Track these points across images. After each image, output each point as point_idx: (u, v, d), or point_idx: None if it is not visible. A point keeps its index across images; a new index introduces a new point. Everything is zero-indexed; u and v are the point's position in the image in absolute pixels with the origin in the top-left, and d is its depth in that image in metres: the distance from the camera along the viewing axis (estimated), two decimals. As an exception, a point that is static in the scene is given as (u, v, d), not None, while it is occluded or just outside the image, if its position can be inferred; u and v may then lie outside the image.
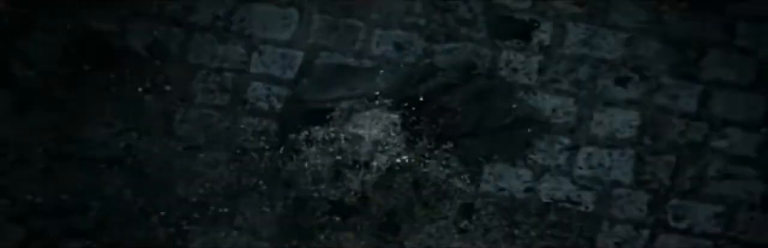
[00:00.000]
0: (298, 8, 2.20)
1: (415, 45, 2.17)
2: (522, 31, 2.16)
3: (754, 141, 2.11)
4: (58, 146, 2.12)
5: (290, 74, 2.15)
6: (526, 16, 2.17)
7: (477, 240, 2.06)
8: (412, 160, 2.10)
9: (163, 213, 2.10)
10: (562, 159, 2.10)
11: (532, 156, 2.09)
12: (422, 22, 2.18)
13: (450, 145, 2.11)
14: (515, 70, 2.14)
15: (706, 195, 2.08)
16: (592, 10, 2.18)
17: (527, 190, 2.07)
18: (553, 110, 2.13)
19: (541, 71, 2.15)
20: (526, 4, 2.22)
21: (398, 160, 2.11)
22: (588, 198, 2.08)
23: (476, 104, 2.12)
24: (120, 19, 2.18)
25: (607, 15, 2.20)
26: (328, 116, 2.11)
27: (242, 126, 2.12)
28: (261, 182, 2.10)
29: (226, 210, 2.10)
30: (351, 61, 2.14)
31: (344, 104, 2.12)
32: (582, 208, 2.07)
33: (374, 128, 2.11)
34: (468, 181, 2.08)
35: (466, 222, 2.07)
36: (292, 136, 2.12)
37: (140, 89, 2.14)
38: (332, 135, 2.12)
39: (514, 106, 2.11)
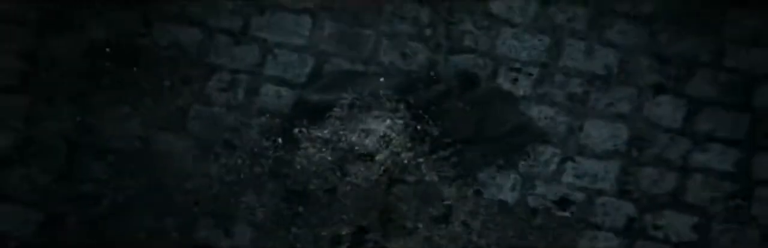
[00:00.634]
0: (312, 16, 2.32)
1: (420, 54, 2.30)
2: (522, 45, 2.29)
3: (734, 157, 2.23)
4: (78, 137, 2.25)
5: (302, 78, 2.28)
6: (526, 31, 2.30)
7: (463, 241, 2.19)
8: (410, 162, 2.23)
9: (172, 204, 2.23)
10: (552, 167, 2.23)
11: (523, 163, 2.22)
12: (428, 32, 2.31)
13: (448, 149, 2.24)
14: (513, 81, 2.27)
15: (685, 205, 2.21)
16: (591, 27, 2.31)
17: (516, 195, 2.21)
18: (547, 121, 2.26)
19: (537, 83, 2.28)
20: (528, 16, 2.34)
21: (396, 161, 2.24)
22: (573, 204, 2.21)
23: (475, 112, 2.24)
24: (144, 19, 2.30)
25: (603, 32, 2.32)
26: (332, 117, 2.24)
27: (252, 125, 2.26)
28: (265, 177, 2.23)
29: (231, 201, 2.23)
30: (359, 67, 2.27)
31: (349, 107, 2.25)
32: (567, 214, 2.20)
33: (377, 129, 2.24)
34: (460, 184, 2.21)
35: (455, 223, 2.20)
36: (298, 135, 2.25)
37: (158, 86, 2.27)
38: (335, 135, 2.25)
39: (510, 116, 2.24)
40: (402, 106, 2.25)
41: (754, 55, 2.29)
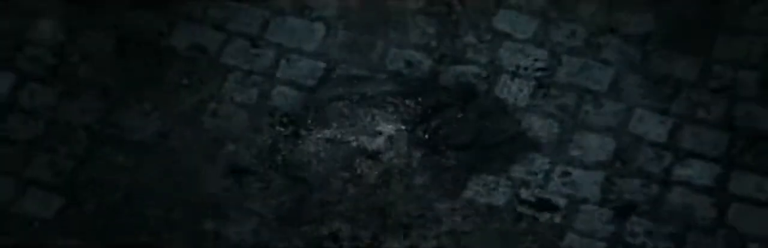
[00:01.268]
0: (326, 24, 2.48)
1: (425, 64, 2.45)
2: (521, 59, 2.44)
3: (713, 172, 2.37)
4: (100, 128, 2.42)
5: (312, 81, 2.43)
6: (525, 47, 2.45)
7: (449, 241, 2.34)
8: (409, 164, 2.38)
9: (182, 195, 2.39)
10: (540, 175, 2.37)
11: (514, 170, 2.37)
12: (434, 44, 2.46)
13: (445, 154, 2.39)
14: (511, 92, 2.42)
15: (663, 215, 2.35)
16: (588, 44, 2.45)
17: (505, 200, 2.35)
18: (540, 131, 2.40)
19: (532, 95, 2.42)
20: (529, 32, 2.49)
21: (397, 162, 2.39)
22: (560, 209, 2.35)
23: (473, 120, 2.39)
24: (169, 21, 2.47)
25: (599, 49, 2.46)
26: (339, 119, 2.40)
27: (263, 123, 2.41)
28: (272, 173, 2.39)
29: (239, 195, 2.39)
30: (366, 73, 2.43)
31: (356, 110, 2.40)
32: (552, 219, 2.35)
33: (382, 131, 2.39)
34: (454, 187, 2.36)
35: (446, 224, 2.35)
36: (306, 134, 2.40)
37: (178, 84, 2.43)
38: (342, 136, 2.40)
39: (506, 125, 2.39)
40: (405, 111, 2.40)
41: (738, 77, 2.43)
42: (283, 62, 2.45)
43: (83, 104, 2.43)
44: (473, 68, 2.44)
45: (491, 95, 2.42)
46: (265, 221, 2.36)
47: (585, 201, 2.35)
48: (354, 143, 2.39)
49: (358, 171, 2.38)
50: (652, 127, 2.41)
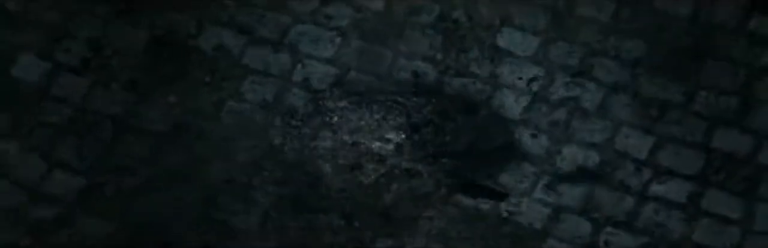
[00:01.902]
0: (341, 33, 2.68)
1: (430, 75, 2.65)
2: (519, 75, 2.63)
3: (687, 190, 2.56)
4: (125, 118, 2.62)
5: (323, 85, 2.63)
6: (524, 64, 2.64)
7: (436, 241, 2.53)
8: (404, 166, 2.58)
9: (195, 184, 2.59)
10: (527, 183, 2.56)
11: (502, 178, 2.56)
12: (440, 56, 2.66)
13: (442, 159, 2.58)
14: (507, 105, 2.61)
15: (637, 228, 2.54)
16: (582, 64, 2.64)
17: (491, 204, 2.54)
18: (531, 143, 2.59)
19: (527, 109, 2.61)
20: (529, 51, 2.68)
21: (394, 164, 2.58)
22: (539, 217, 2.54)
23: (471, 130, 2.59)
24: (198, 23, 2.67)
25: (592, 69, 2.65)
26: (348, 122, 2.60)
27: (276, 123, 2.61)
28: (280, 171, 2.59)
29: (248, 187, 2.59)
30: (375, 81, 2.62)
31: (363, 113, 2.60)
32: (533, 226, 2.53)
33: (388, 136, 2.58)
34: (444, 191, 2.56)
35: (435, 225, 2.54)
36: (313, 134, 2.60)
37: (201, 82, 2.64)
38: (346, 137, 2.60)
39: (500, 135, 2.58)
40: (409, 117, 2.60)
41: (720, 103, 2.61)
42: (298, 66, 2.65)
43: (112, 95, 2.64)
44: (474, 81, 2.63)
45: (489, 107, 2.61)
46: (269, 214, 2.56)
47: (566, 209, 2.54)
48: (358, 145, 2.58)
49: (360, 171, 2.58)
50: (635, 144, 2.59)
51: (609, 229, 2.52)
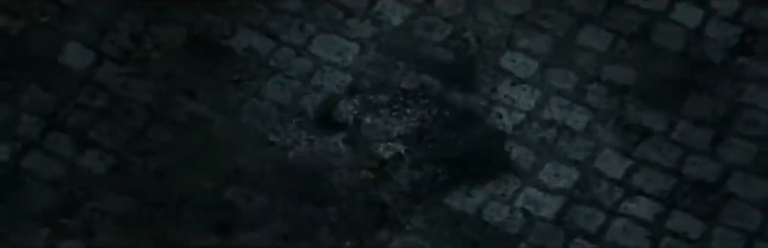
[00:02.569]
0: (361, 44, 2.95)
1: (435, 87, 2.91)
2: (516, 94, 2.89)
3: (655, 210, 2.81)
4: (158, 107, 2.91)
5: (338, 91, 2.91)
6: (522, 83, 2.90)
7: (420, 240, 2.81)
8: (408, 171, 2.85)
9: (210, 171, 2.88)
10: (510, 193, 2.83)
11: (490, 186, 2.83)
12: (447, 72, 2.92)
13: (437, 166, 2.85)
14: (501, 121, 2.88)
15: (605, 241, 2.80)
16: (576, 89, 2.90)
17: (476, 209, 2.81)
18: (519, 156, 2.86)
19: (519, 126, 2.88)
20: (528, 73, 2.94)
21: (394, 166, 2.86)
22: (518, 224, 2.81)
23: (467, 140, 2.85)
24: (233, 26, 2.96)
25: (584, 94, 2.91)
26: (354, 124, 2.87)
27: (291, 122, 2.89)
28: (289, 167, 2.88)
29: (257, 178, 2.88)
30: (383, 90, 2.89)
31: (371, 118, 2.88)
32: (510, 231, 2.80)
33: (387, 139, 2.86)
34: (436, 195, 2.83)
35: (421, 225, 2.82)
36: (322, 134, 2.88)
37: (229, 79, 2.92)
38: (352, 139, 2.88)
39: (492, 147, 2.85)
40: (412, 124, 2.87)
41: (696, 133, 2.86)
42: (318, 71, 2.93)
43: (147, 85, 2.93)
44: (475, 97, 2.89)
45: (486, 121, 2.88)
46: (273, 206, 2.85)
47: (542, 219, 2.81)
48: (363, 147, 2.86)
49: (362, 170, 2.86)
50: (614, 165, 2.85)
51: (578, 240, 2.78)
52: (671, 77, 2.93)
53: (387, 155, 2.85)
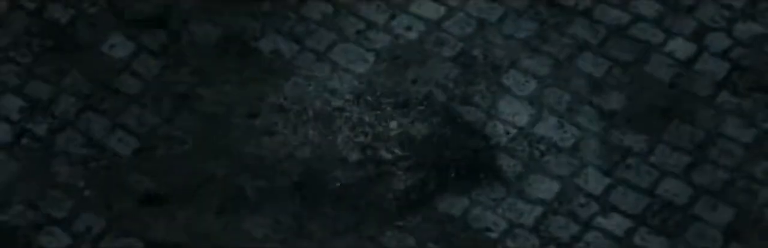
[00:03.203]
0: (376, 54, 3.22)
1: (439, 99, 3.18)
2: (512, 110, 3.15)
3: (625, 226, 3.07)
4: (185, 98, 3.20)
5: (350, 96, 3.18)
6: (520, 100, 3.16)
7: (406, 236, 3.07)
8: (399, 171, 3.12)
9: (226, 159, 3.16)
10: (493, 200, 3.09)
11: (475, 193, 3.09)
12: (451, 85, 3.19)
13: (431, 169, 3.12)
14: (495, 134, 3.14)
15: (577, 250, 3.05)
16: (569, 109, 3.15)
17: (461, 212, 3.08)
18: (507, 167, 3.12)
19: (511, 140, 3.14)
20: (527, 91, 3.20)
21: (395, 169, 3.12)
22: (499, 229, 3.07)
23: (462, 149, 3.12)
24: (263, 29, 3.23)
25: (575, 115, 3.16)
26: (362, 127, 3.14)
27: (307, 121, 3.17)
28: (300, 156, 3.15)
29: (269, 168, 3.15)
30: (392, 99, 3.16)
31: (379, 123, 3.15)
32: (491, 235, 3.06)
33: (390, 142, 3.12)
34: (427, 197, 3.10)
35: (407, 224, 3.09)
36: (332, 134, 3.15)
37: (252, 78, 3.20)
38: (359, 140, 3.15)
39: (484, 157, 3.11)
40: (415, 131, 3.13)
41: (673, 158, 3.11)
42: (335, 76, 3.20)
43: (179, 77, 3.21)
44: (475, 110, 3.16)
45: (482, 132, 3.14)
46: (279, 198, 3.12)
47: (520, 226, 3.06)
48: (367, 148, 3.13)
49: (365, 170, 3.12)
50: (594, 182, 3.10)
51: (551, 247, 3.04)
52: (657, 105, 3.18)
53: (386, 156, 3.12)
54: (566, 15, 3.31)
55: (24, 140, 3.17)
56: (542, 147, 3.13)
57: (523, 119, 3.16)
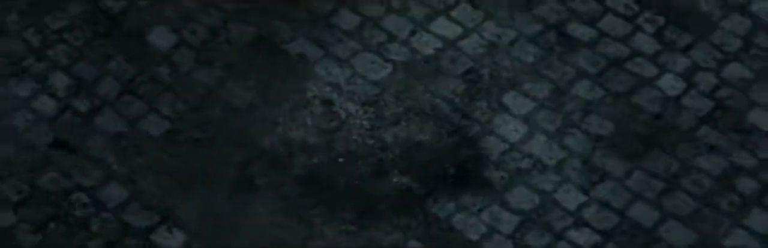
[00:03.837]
0: (393, 65, 3.55)
1: (443, 111, 3.50)
2: (507, 127, 3.47)
3: (594, 241, 3.37)
4: (215, 90, 3.54)
5: (364, 99, 3.51)
6: (515, 119, 3.48)
7: (396, 231, 3.40)
8: (395, 172, 3.44)
9: (242, 149, 3.49)
10: (477, 207, 3.41)
11: (462, 199, 3.41)
12: (456, 100, 3.51)
13: (425, 173, 3.44)
14: (490, 148, 3.45)
15: (546, 259, 3.37)
16: (559, 131, 3.46)
17: (446, 214, 3.40)
18: (496, 179, 3.43)
19: (503, 154, 3.46)
20: (523, 111, 3.51)
21: (395, 171, 3.45)
22: (479, 233, 3.39)
23: (457, 158, 3.44)
24: (294, 33, 3.57)
25: (564, 136, 3.47)
26: (370, 130, 3.47)
27: (323, 121, 3.50)
28: (311, 152, 3.49)
29: (280, 162, 3.49)
30: (401, 108, 3.49)
31: (388, 127, 3.47)
32: (471, 238, 3.38)
33: (394, 144, 3.45)
34: (418, 198, 3.42)
35: (402, 222, 3.41)
36: (343, 134, 3.48)
37: (277, 77, 3.54)
38: (367, 140, 3.47)
39: (475, 167, 3.43)
40: (414, 137, 3.46)
41: (648, 184, 3.41)
42: (352, 81, 3.53)
43: (211, 71, 3.56)
44: (474, 124, 3.48)
45: (477, 145, 3.46)
46: (288, 193, 3.46)
47: (498, 232, 3.38)
48: (371, 149, 3.46)
49: (366, 168, 3.45)
50: (571, 199, 3.41)
51: (524, 254, 3.36)
52: (641, 134, 3.48)
53: (387, 157, 3.44)
54: (572, 44, 3.61)
55: (66, 115, 3.53)
56: (529, 163, 3.44)
57: (516, 136, 3.47)
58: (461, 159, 3.45)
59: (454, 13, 3.65)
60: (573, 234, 3.36)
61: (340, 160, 3.46)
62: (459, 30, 3.63)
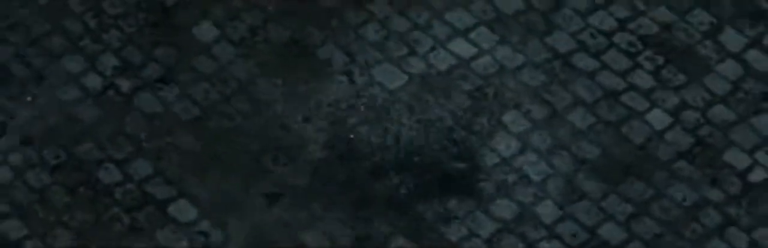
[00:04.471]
0: (409, 76, 3.92)
1: (447, 122, 3.86)
2: (503, 141, 3.82)
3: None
4: (246, 84, 3.92)
5: (376, 104, 3.88)
6: (510, 137, 3.83)
7: (385, 226, 3.76)
8: (392, 174, 3.81)
9: (259, 140, 3.87)
10: (465, 210, 3.76)
11: (450, 205, 3.77)
12: (460, 113, 3.87)
13: (420, 177, 3.80)
14: (483, 160, 3.81)
15: (517, 265, 3.72)
16: (550, 150, 3.81)
17: (433, 217, 3.76)
18: (487, 187, 3.79)
19: (494, 166, 3.81)
20: (519, 130, 3.86)
21: (385, 167, 3.81)
22: (459, 235, 3.74)
23: (454, 164, 3.80)
24: (325, 39, 3.95)
25: (554, 155, 3.82)
26: (377, 132, 3.84)
27: (338, 123, 3.88)
28: (323, 149, 3.86)
29: (293, 155, 3.86)
30: (411, 118, 3.86)
31: (393, 133, 3.84)
32: (451, 239, 3.74)
33: (396, 148, 3.81)
34: (411, 199, 3.78)
35: (395, 219, 3.78)
36: (352, 134, 3.85)
37: (301, 78, 3.92)
38: (371, 140, 3.84)
39: (468, 177, 3.79)
40: (415, 142, 3.82)
41: (621, 207, 3.75)
42: (369, 88, 3.90)
43: (247, 66, 3.94)
44: (472, 137, 3.84)
45: (472, 155, 3.82)
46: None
47: (477, 236, 3.74)
48: (375, 150, 3.83)
49: (367, 166, 3.82)
50: (549, 213, 3.76)
51: (497, 258, 3.71)
52: (623, 161, 3.82)
53: (388, 158, 3.81)
54: (574, 73, 3.96)
55: (110, 93, 3.93)
56: (516, 177, 3.79)
57: (508, 152, 3.82)
58: (455, 167, 3.80)
59: (472, 35, 4.00)
60: (544, 245, 3.71)
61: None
62: (474, 50, 3.98)
